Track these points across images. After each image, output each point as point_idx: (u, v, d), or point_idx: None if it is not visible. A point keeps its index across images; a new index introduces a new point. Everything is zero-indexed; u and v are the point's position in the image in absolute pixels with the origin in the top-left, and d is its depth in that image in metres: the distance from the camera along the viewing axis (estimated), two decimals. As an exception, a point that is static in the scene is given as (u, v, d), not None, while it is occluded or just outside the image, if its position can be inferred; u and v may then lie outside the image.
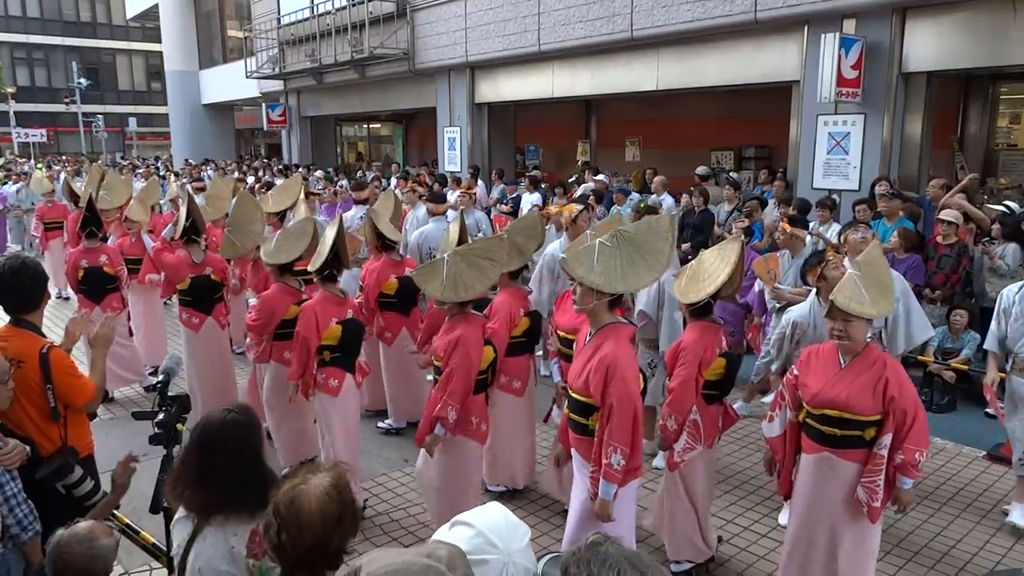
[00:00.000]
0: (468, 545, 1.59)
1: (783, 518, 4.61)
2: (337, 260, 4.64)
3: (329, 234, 4.65)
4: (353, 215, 8.31)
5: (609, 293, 3.28)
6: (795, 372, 3.58)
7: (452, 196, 11.50)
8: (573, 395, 3.44)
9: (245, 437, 2.28)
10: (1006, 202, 8.16)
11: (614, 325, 3.39)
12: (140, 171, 19.15)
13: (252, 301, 5.70)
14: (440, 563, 1.51)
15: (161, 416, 2.60)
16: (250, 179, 15.22)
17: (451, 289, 3.90)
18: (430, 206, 7.89)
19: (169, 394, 2.68)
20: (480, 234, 8.24)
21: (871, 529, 3.44)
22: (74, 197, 10.06)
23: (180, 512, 2.30)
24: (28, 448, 2.96)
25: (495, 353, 4.20)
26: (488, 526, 1.62)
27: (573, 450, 3.52)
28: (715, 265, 3.87)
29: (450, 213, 8.40)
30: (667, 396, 3.90)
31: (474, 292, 3.93)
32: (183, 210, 6.17)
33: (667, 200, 9.93)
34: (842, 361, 3.39)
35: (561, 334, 4.56)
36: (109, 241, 7.50)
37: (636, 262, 3.30)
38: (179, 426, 2.60)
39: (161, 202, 10.68)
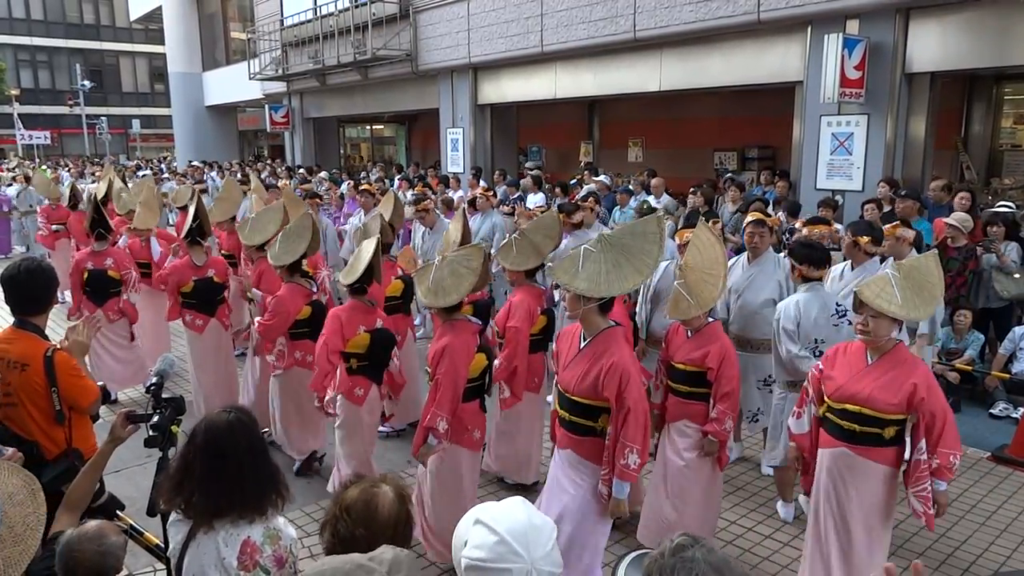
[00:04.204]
0: (491, 552, 1.57)
1: (781, 510, 4.78)
2: (369, 275, 4.59)
3: (367, 249, 4.61)
4: (353, 219, 8.33)
5: (595, 298, 3.31)
6: (820, 367, 3.62)
7: (454, 197, 11.51)
8: (574, 398, 3.44)
9: (252, 435, 2.30)
10: (1002, 202, 8.14)
11: (610, 329, 3.43)
12: (144, 173, 19.18)
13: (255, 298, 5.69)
14: (381, 565, 1.52)
15: (156, 419, 2.59)
16: (253, 181, 15.26)
17: (433, 294, 3.91)
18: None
19: (164, 396, 2.67)
20: (497, 235, 8.27)
21: (886, 527, 3.49)
22: (73, 199, 10.14)
23: (175, 515, 2.29)
24: (21, 455, 2.98)
25: (488, 360, 4.14)
26: (511, 531, 1.59)
27: (569, 451, 3.53)
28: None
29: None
30: (724, 400, 3.95)
31: (451, 299, 3.89)
32: (191, 211, 6.19)
33: (667, 201, 9.92)
34: (869, 358, 3.41)
35: None
36: (121, 242, 7.53)
37: (622, 265, 3.31)
38: (174, 428, 2.59)
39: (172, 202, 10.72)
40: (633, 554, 1.53)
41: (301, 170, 17.04)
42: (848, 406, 3.39)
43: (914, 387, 3.26)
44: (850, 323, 3.82)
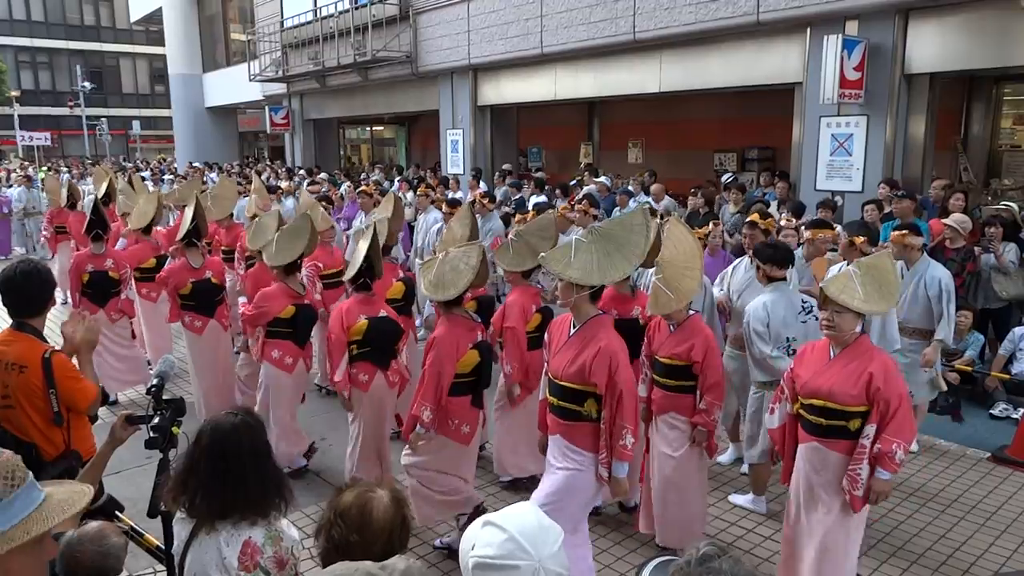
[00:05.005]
0: (500, 550, 1.59)
1: (737, 499, 4.97)
2: (371, 270, 4.66)
3: (362, 245, 4.70)
4: (356, 222, 8.35)
5: (588, 286, 3.46)
6: (792, 365, 3.70)
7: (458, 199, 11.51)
8: (563, 383, 3.55)
9: (258, 438, 2.30)
10: (1004, 203, 8.15)
11: (599, 317, 3.59)
12: (144, 174, 19.19)
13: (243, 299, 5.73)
14: (393, 575, 1.55)
15: (156, 420, 2.59)
16: (255, 182, 15.28)
17: (434, 287, 4.06)
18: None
19: (164, 397, 2.67)
20: (487, 240, 8.28)
21: (855, 520, 3.49)
22: (72, 200, 10.17)
23: (180, 514, 2.30)
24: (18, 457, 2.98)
25: (482, 358, 4.15)
26: (520, 530, 1.61)
27: (558, 436, 3.62)
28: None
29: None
30: (711, 392, 4.03)
31: (449, 293, 4.03)
32: (188, 213, 6.19)
33: (667, 203, 9.92)
34: (832, 353, 3.48)
35: None
36: (119, 244, 7.54)
37: (612, 254, 3.46)
38: (175, 429, 2.59)
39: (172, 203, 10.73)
40: (656, 560, 1.52)
41: (301, 171, 17.05)
42: (814, 401, 3.45)
43: (870, 376, 3.29)
44: (817, 319, 3.90)
